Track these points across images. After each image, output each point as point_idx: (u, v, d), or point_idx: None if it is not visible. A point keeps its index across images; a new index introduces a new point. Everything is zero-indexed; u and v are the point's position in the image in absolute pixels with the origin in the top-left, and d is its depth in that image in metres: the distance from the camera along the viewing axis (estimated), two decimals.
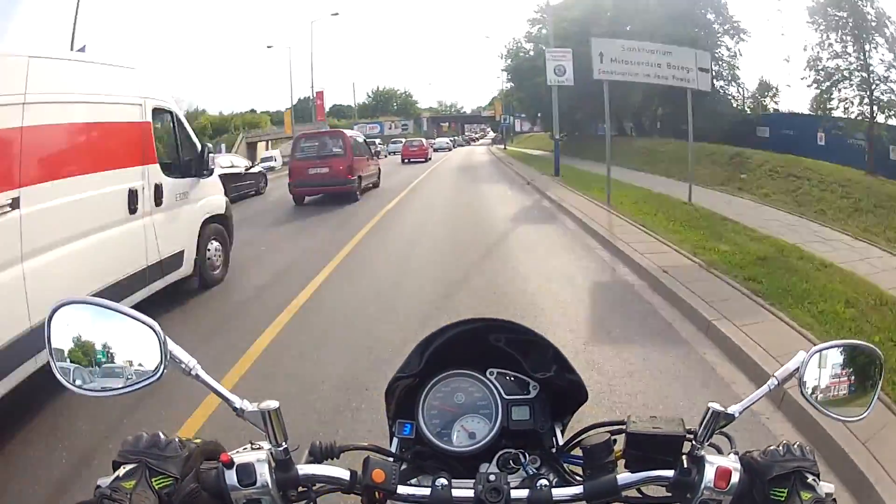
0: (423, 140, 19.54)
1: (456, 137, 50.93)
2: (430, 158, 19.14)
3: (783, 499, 0.59)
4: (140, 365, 0.65)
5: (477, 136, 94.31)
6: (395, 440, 0.79)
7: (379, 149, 20.96)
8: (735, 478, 0.63)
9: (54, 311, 0.63)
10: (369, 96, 58.85)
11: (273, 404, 0.65)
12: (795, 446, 0.62)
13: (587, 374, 2.64)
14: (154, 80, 3.76)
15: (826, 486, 0.59)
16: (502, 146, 30.43)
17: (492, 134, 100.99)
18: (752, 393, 0.68)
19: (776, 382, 0.70)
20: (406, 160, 19.04)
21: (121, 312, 0.64)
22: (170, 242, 3.50)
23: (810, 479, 0.60)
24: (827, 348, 0.70)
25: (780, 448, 0.62)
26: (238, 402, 0.66)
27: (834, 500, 0.58)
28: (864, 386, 0.73)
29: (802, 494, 0.60)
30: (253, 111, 43.02)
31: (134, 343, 0.65)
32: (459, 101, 63.77)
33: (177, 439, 0.62)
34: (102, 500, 0.54)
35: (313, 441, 0.70)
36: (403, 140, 21.91)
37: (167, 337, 0.63)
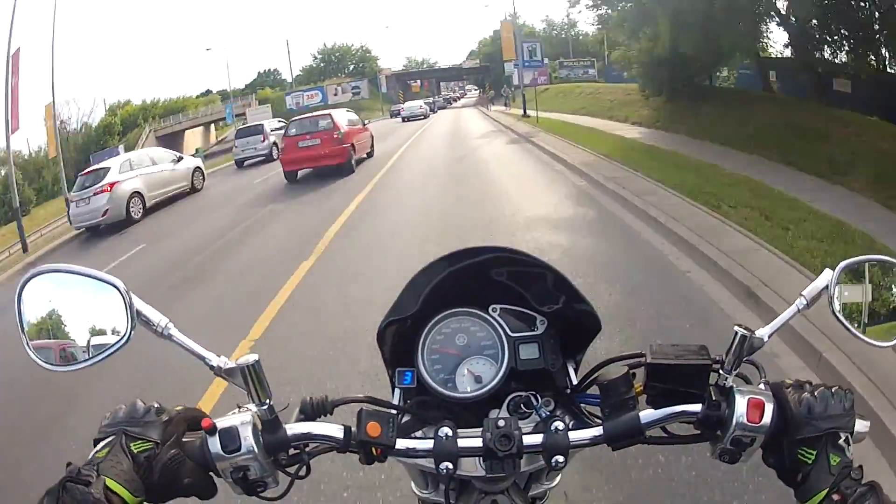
0: (340, 118, 12.30)
1: (435, 98, 52.01)
2: (367, 157, 12.73)
3: (811, 460, 0.63)
4: (108, 329, 0.71)
5: (456, 95, 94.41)
6: (397, 391, 0.82)
7: (265, 145, 18.79)
8: (768, 411, 0.65)
9: (23, 284, 0.67)
10: (316, 57, 59.19)
11: (252, 357, 0.67)
12: (833, 395, 0.63)
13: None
14: None
15: (861, 425, 0.64)
16: (504, 107, 29.82)
17: (475, 92, 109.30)
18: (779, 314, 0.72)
19: (804, 302, 0.71)
20: (291, 172, 11.69)
21: (84, 275, 0.69)
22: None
23: (842, 438, 0.63)
24: (856, 263, 0.73)
25: (817, 397, 0.63)
26: (215, 359, 0.69)
27: (860, 466, 0.62)
28: (893, 303, 0.73)
29: (832, 458, 0.63)
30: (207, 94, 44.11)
31: (102, 308, 0.70)
32: (432, 56, 50.87)
33: (155, 404, 0.66)
34: (65, 483, 0.54)
35: (304, 397, 0.73)
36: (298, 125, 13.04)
37: (134, 295, 0.66)
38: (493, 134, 17.50)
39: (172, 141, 24.59)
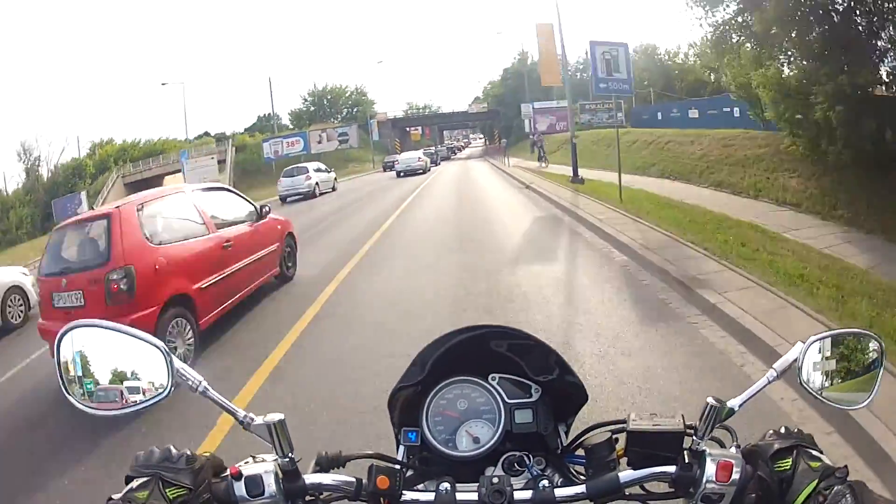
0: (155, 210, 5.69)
1: (437, 148, 48.83)
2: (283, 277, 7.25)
3: (789, 467, 0.70)
4: (149, 384, 0.81)
5: (461, 144, 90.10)
6: (402, 448, 0.99)
7: (308, 184, 22.51)
8: (737, 470, 0.76)
9: (63, 333, 0.78)
10: (306, 99, 55.91)
11: (278, 416, 0.79)
12: (794, 429, 0.76)
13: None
14: None
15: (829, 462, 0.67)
16: (539, 163, 26.21)
17: (480, 141, 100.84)
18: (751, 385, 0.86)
19: (775, 374, 0.84)
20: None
21: (127, 334, 0.79)
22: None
23: (814, 451, 0.71)
24: (825, 337, 0.84)
25: (779, 430, 0.76)
26: (243, 414, 0.81)
27: (845, 466, 0.69)
28: (865, 373, 0.87)
29: (811, 463, 0.70)
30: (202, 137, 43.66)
31: (141, 362, 0.81)
32: (435, 102, 56.19)
33: (188, 452, 0.76)
34: None
35: (319, 451, 0.88)
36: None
37: (173, 355, 0.80)
38: (543, 224, 10.59)
39: (145, 187, 20.54)
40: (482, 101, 61.72)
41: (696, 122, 18.99)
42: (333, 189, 22.19)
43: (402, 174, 27.95)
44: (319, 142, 43.20)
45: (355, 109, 52.91)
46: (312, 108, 54.42)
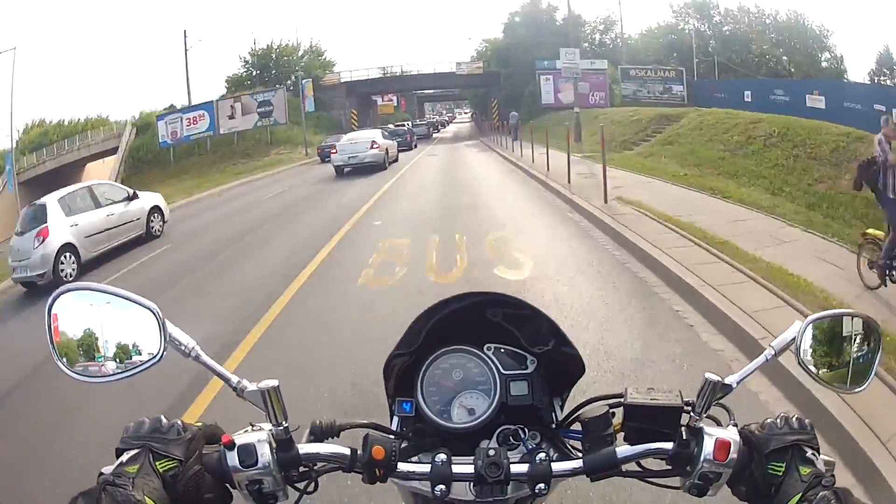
0: None
1: (411, 125, 40.52)
2: None
3: (781, 472, 0.74)
4: (140, 348, 0.83)
5: (444, 118, 79.92)
6: (396, 418, 1.02)
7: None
8: (734, 450, 0.78)
9: (54, 298, 0.78)
10: (247, 61, 42.93)
11: (272, 383, 0.81)
12: (794, 419, 0.76)
13: None
14: None
15: (825, 459, 0.74)
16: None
17: (465, 116, 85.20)
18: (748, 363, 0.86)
19: (773, 353, 0.86)
20: None
21: (119, 296, 0.80)
22: None
23: (809, 452, 0.75)
24: (823, 318, 0.86)
25: (779, 421, 0.77)
26: (237, 381, 0.83)
27: (832, 474, 0.73)
28: (861, 357, 0.90)
29: (801, 469, 0.74)
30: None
31: (134, 326, 0.82)
32: (413, 65, 53.86)
33: (179, 422, 0.78)
34: (105, 486, 0.67)
35: (314, 420, 0.88)
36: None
37: (166, 319, 0.79)
38: None
39: (58, 178, 22.00)
40: (483, 56, 47.77)
41: (822, 113, 15.44)
42: (148, 235, 12.30)
43: (344, 170, 18.31)
44: (231, 116, 32.51)
45: (304, 80, 39.93)
46: (255, 73, 42.88)
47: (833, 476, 0.77)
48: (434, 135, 48.45)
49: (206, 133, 31.02)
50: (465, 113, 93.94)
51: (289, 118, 31.80)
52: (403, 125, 33.81)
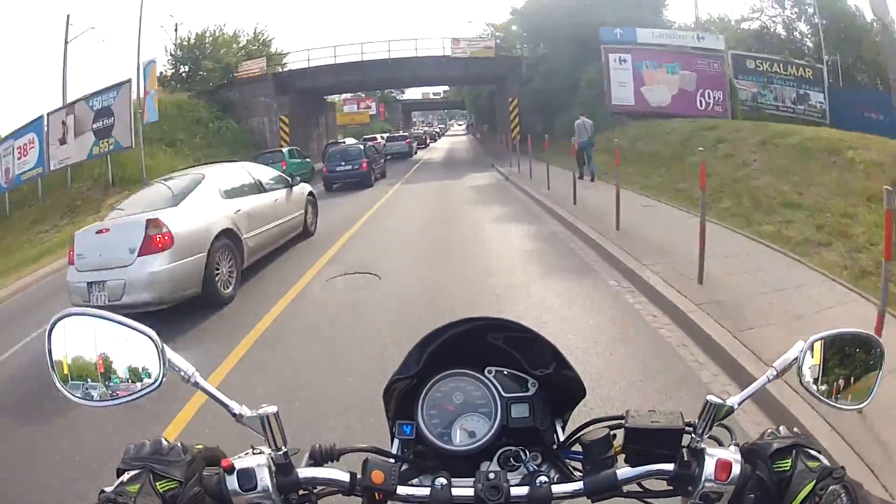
0: None
1: (387, 140, 37.35)
2: None
3: (788, 468, 0.80)
4: (140, 374, 0.87)
5: (434, 130, 69.58)
6: (396, 441, 1.05)
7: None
8: (736, 469, 0.84)
9: (54, 323, 0.86)
10: (173, 55, 31.51)
11: (271, 409, 0.88)
12: (791, 429, 0.86)
13: None
14: None
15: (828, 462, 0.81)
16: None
17: (461, 127, 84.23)
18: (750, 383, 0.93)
19: (775, 373, 0.91)
20: None
21: (119, 323, 0.87)
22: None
23: (812, 451, 0.82)
24: (825, 337, 0.93)
25: (777, 430, 0.86)
26: (237, 407, 0.89)
27: (842, 467, 0.78)
28: (864, 374, 0.94)
29: (809, 463, 0.79)
30: None
31: (133, 352, 0.87)
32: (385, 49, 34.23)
33: (179, 444, 0.84)
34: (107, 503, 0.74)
35: (313, 444, 0.94)
36: None
37: (165, 345, 0.87)
38: None
39: None
40: (487, 38, 33.40)
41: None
42: None
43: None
44: (63, 140, 20.26)
45: (147, 64, 23.83)
46: (183, 72, 31.33)
47: (843, 468, 0.80)
48: (418, 152, 39.97)
49: (33, 170, 20.80)
50: (460, 125, 69.43)
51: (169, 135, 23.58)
52: (359, 144, 24.41)
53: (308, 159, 24.53)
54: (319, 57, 32.58)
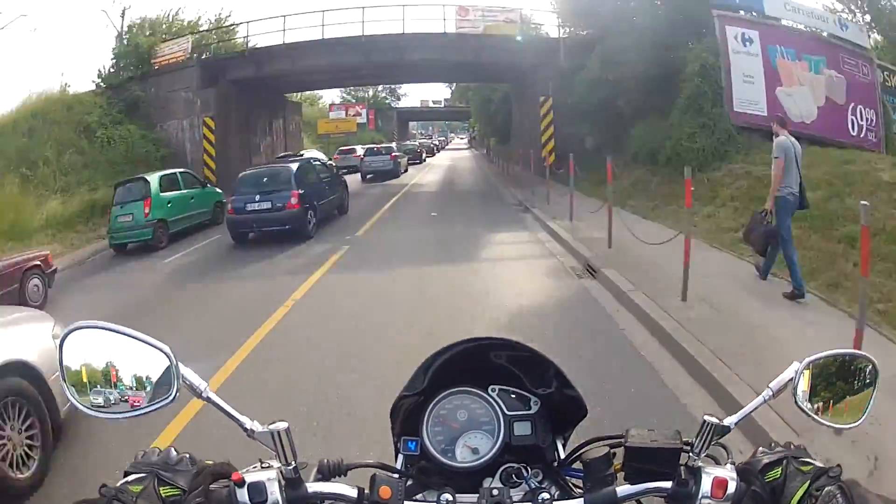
0: None
1: (320, 162, 20.84)
2: None
3: (779, 475, 0.90)
4: (153, 387, 0.93)
5: (433, 143, 61.65)
6: (401, 457, 1.19)
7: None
8: (731, 487, 0.92)
9: (66, 334, 0.92)
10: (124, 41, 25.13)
11: (282, 425, 0.96)
12: (787, 444, 0.98)
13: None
14: None
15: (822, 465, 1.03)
16: None
17: (463, 141, 75.22)
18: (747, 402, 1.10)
19: (770, 393, 0.99)
20: None
21: (132, 337, 0.92)
22: None
23: (805, 459, 0.94)
24: (821, 358, 1.02)
25: (770, 445, 0.99)
26: (248, 423, 0.98)
27: (839, 465, 0.87)
28: (858, 393, 1.02)
29: (801, 468, 0.89)
30: None
31: (146, 366, 0.92)
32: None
33: (188, 455, 0.94)
34: (111, 500, 0.79)
35: (321, 459, 1.03)
36: None
37: (178, 361, 0.94)
38: None
39: None
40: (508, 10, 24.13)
41: None
42: None
43: None
44: None
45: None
46: (133, 67, 23.14)
47: (839, 467, 0.84)
48: (408, 169, 31.54)
49: None
50: (462, 138, 57.25)
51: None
52: (292, 162, 15.03)
53: (215, 189, 16.79)
54: (267, 31, 27.53)
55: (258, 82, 24.93)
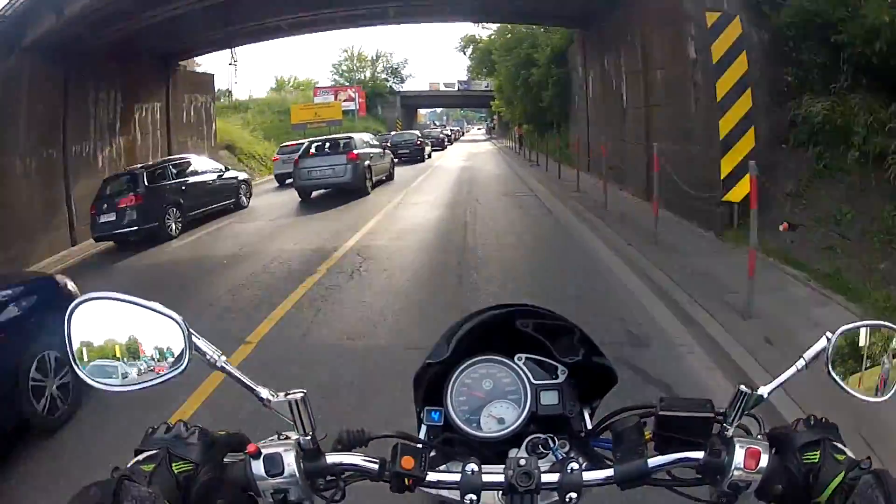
0: None
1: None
2: None
3: (817, 459, 0.92)
4: (164, 357, 0.92)
5: (444, 132, 52.71)
6: (424, 427, 1.20)
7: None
8: (764, 458, 0.92)
9: (74, 307, 0.91)
10: None
11: (299, 394, 0.96)
12: (821, 419, 0.98)
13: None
14: None
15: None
16: None
17: (480, 132, 68.78)
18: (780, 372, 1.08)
19: (804, 363, 0.98)
20: None
21: (142, 306, 0.92)
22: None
23: (839, 444, 0.95)
24: (852, 329, 1.04)
25: (805, 422, 0.98)
26: (265, 392, 0.97)
27: (868, 457, 0.89)
28: (890, 365, 1.05)
29: (836, 456, 0.91)
30: None
31: (157, 335, 0.92)
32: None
33: (198, 428, 0.95)
34: (122, 480, 0.78)
35: (341, 429, 1.02)
36: None
37: (191, 329, 0.93)
38: None
39: None
40: None
41: None
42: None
43: None
44: None
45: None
46: None
47: (870, 459, 0.88)
48: (389, 179, 23.52)
49: None
50: (480, 128, 70.39)
51: None
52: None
53: None
54: None
55: (96, 43, 14.75)
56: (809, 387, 1.70)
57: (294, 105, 42.12)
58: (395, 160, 24.26)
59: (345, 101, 38.69)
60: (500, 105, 43.14)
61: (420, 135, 33.49)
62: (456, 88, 66.16)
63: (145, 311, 0.84)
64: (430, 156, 32.11)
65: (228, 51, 48.78)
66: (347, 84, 49.29)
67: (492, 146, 45.45)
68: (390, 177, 21.51)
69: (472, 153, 38.40)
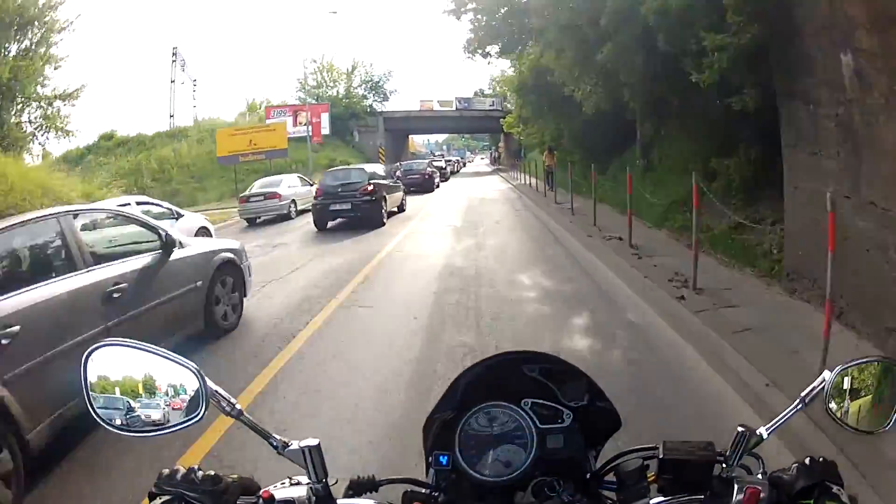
0: None
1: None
2: None
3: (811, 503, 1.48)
4: (180, 405, 1.10)
5: (442, 161, 47.54)
6: (432, 471, 1.38)
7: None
8: (763, 497, 1.11)
9: (90, 352, 1.09)
10: None
11: (313, 442, 1.14)
12: (819, 460, 1.15)
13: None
14: None
15: (849, 495, 1.10)
16: None
17: (483, 161, 65.82)
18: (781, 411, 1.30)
19: (802, 403, 1.21)
20: None
21: (158, 355, 1.12)
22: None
23: (834, 489, 1.10)
24: (850, 366, 1.24)
25: (805, 463, 1.15)
26: (278, 440, 1.19)
27: (855, 495, 1.32)
28: (888, 398, 1.22)
29: (829, 502, 1.15)
30: None
31: (173, 383, 1.10)
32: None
33: (213, 473, 1.10)
34: None
35: (352, 475, 1.21)
36: None
37: (207, 378, 1.12)
38: None
39: None
40: None
41: None
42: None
43: None
44: None
45: None
46: None
47: (856, 496, 1.25)
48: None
49: None
50: (483, 158, 71.25)
51: None
52: None
53: None
54: None
55: None
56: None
57: (220, 131, 30.41)
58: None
59: (314, 121, 30.51)
60: (513, 119, 31.75)
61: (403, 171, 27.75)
62: (454, 108, 47.68)
63: (162, 360, 0.99)
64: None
65: (169, 68, 42.28)
66: (315, 102, 36.28)
67: (502, 183, 33.45)
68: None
69: (479, 188, 29.52)
